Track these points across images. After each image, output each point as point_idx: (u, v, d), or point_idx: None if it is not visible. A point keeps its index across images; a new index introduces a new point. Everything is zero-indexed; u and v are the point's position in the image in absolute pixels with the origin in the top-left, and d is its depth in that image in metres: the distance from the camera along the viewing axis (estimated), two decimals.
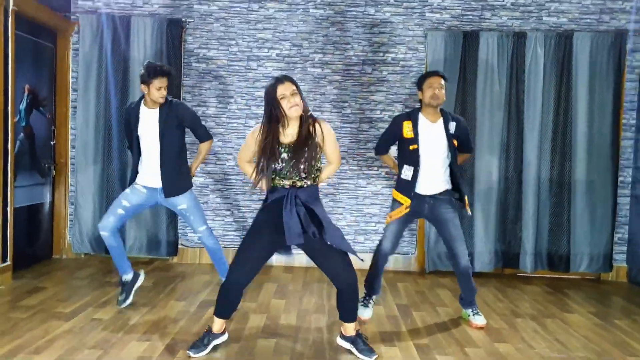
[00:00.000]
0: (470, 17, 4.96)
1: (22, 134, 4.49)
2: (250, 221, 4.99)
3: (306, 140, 2.81)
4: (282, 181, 2.84)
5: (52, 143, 4.98)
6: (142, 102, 3.61)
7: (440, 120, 3.51)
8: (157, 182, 3.59)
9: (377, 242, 4.90)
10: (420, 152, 3.46)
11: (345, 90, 4.99)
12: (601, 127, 4.86)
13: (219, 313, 2.97)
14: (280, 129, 2.82)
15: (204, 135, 3.74)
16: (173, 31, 4.88)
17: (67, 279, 4.38)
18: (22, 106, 4.48)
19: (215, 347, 2.98)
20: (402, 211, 3.53)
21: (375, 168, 5.05)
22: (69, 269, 4.69)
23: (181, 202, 3.66)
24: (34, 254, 4.77)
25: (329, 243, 2.82)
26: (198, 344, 2.93)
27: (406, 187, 3.49)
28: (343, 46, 4.99)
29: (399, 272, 5.02)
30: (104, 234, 3.57)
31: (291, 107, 2.76)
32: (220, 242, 4.93)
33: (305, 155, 2.80)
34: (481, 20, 4.95)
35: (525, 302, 4.16)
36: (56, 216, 5.06)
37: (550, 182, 4.93)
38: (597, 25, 4.91)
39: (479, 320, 3.55)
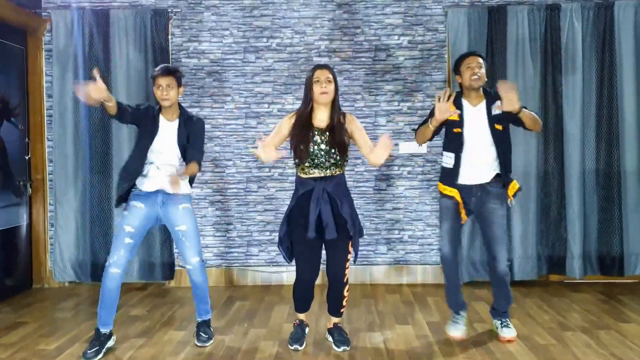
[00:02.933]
0: None
1: None
2: (255, 235, 4.95)
3: (338, 126, 3.27)
4: (312, 170, 3.28)
5: (26, 157, 4.90)
6: (160, 112, 3.52)
7: (483, 104, 3.50)
8: (159, 184, 3.45)
9: (402, 252, 4.94)
10: (464, 137, 3.47)
11: (357, 80, 4.91)
12: None
13: (300, 309, 3.55)
14: (313, 114, 3.31)
15: (197, 156, 3.54)
16: (158, 23, 4.81)
17: (50, 311, 4.31)
18: None
19: None
20: (461, 204, 3.52)
21: (396, 167, 4.95)
22: (51, 299, 4.61)
23: (183, 222, 3.51)
24: (11, 285, 4.69)
25: (340, 237, 3.26)
26: (298, 336, 3.44)
27: (450, 175, 3.53)
28: (352, 30, 4.90)
29: (429, 284, 4.93)
30: (114, 271, 3.37)
31: (321, 93, 3.22)
32: (224, 262, 4.93)
33: (337, 139, 3.25)
34: None
35: (575, 312, 4.09)
36: (35, 240, 4.98)
37: (597, 174, 4.83)
38: None
39: (508, 332, 3.54)
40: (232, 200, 4.97)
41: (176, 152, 3.48)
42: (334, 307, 3.48)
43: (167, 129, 3.48)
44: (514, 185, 3.53)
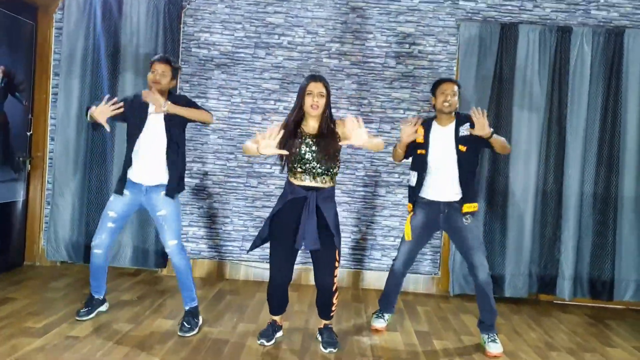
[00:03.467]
0: (509, 7, 4.87)
1: None
2: (251, 231, 4.94)
3: (327, 131, 3.29)
4: (303, 176, 3.29)
5: (28, 134, 4.87)
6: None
7: (452, 125, 3.70)
8: (147, 179, 3.56)
9: None
10: (429, 157, 3.69)
11: (365, 85, 4.89)
12: None
13: (274, 312, 3.58)
14: (302, 121, 3.33)
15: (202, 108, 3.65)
16: (171, 11, 4.79)
17: (40, 289, 4.29)
18: None
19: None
20: (408, 220, 3.77)
21: (396, 175, 4.95)
22: (42, 278, 4.59)
23: (163, 207, 3.57)
24: (3, 261, 4.67)
25: (327, 247, 3.30)
26: (267, 333, 3.50)
27: (413, 193, 3.78)
28: (364, 35, 4.89)
29: (420, 294, 4.92)
30: (98, 252, 3.65)
31: (312, 106, 3.25)
32: (217, 254, 4.91)
33: (329, 145, 3.25)
34: (521, 11, 4.86)
35: (562, 333, 4.09)
36: (30, 217, 4.95)
37: (594, 197, 4.83)
38: None
39: (494, 348, 3.57)
40: (231, 194, 4.95)
41: (163, 137, 3.51)
42: (324, 312, 3.53)
43: (156, 116, 3.52)
44: (469, 206, 3.63)
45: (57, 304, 3.93)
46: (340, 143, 3.23)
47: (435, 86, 3.72)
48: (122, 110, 3.40)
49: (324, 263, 3.34)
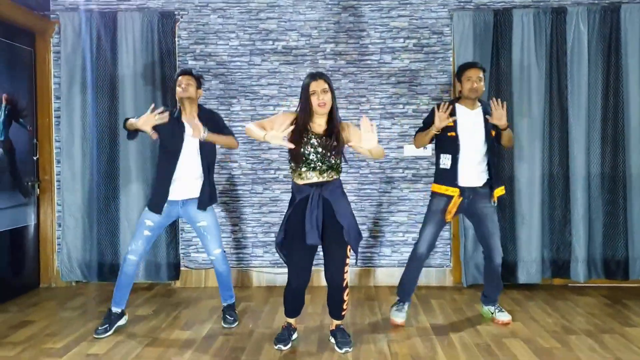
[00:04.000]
0: None
1: (0, 150, 4.44)
2: (260, 237, 4.98)
3: (334, 131, 3.30)
4: (309, 174, 3.30)
5: (34, 158, 4.93)
6: (182, 113, 3.81)
7: (479, 109, 3.84)
8: (181, 194, 3.78)
9: (406, 254, 4.86)
10: (460, 140, 3.76)
11: (362, 83, 4.90)
12: None
13: (289, 314, 3.57)
14: (310, 121, 3.33)
15: (231, 133, 3.92)
16: (165, 26, 4.83)
17: (57, 310, 4.33)
18: (0, 118, 4.43)
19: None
20: (456, 202, 3.77)
21: (401, 170, 4.95)
22: (58, 299, 4.64)
23: (203, 218, 3.84)
24: (19, 284, 4.72)
25: (338, 242, 3.31)
26: (284, 337, 3.49)
27: (449, 176, 3.78)
28: (358, 34, 4.90)
29: (432, 287, 4.93)
30: (132, 258, 3.77)
31: (319, 104, 3.25)
32: (229, 262, 4.88)
33: (334, 144, 3.28)
34: None
35: (579, 316, 4.08)
36: (42, 240, 5.01)
37: (602, 177, 4.81)
38: None
39: (504, 316, 3.89)
40: (238, 202, 4.99)
41: (196, 151, 3.74)
42: (335, 311, 3.52)
43: (188, 127, 3.73)
44: (500, 190, 3.87)
45: (74, 323, 3.97)
46: (348, 144, 3.30)
47: (461, 71, 3.80)
48: (166, 119, 3.59)
49: (334, 258, 3.34)
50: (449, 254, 4.98)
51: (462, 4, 4.86)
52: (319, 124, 3.33)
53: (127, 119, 3.74)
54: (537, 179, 4.77)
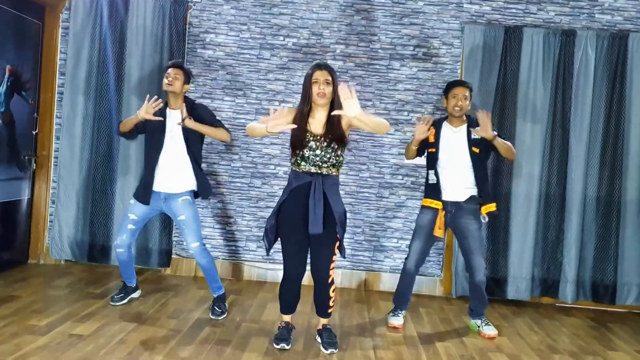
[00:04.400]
0: (514, 10, 4.89)
1: (0, 121, 4.42)
2: (255, 231, 4.98)
3: (333, 129, 3.26)
4: (308, 166, 3.28)
5: (34, 133, 4.92)
6: (167, 106, 3.88)
7: (463, 127, 3.88)
8: (165, 187, 3.83)
9: (399, 260, 4.95)
10: (440, 156, 3.87)
11: (370, 87, 4.92)
12: None
13: (285, 310, 3.52)
14: (309, 118, 3.29)
15: (222, 125, 3.96)
16: (177, 12, 4.83)
17: (45, 287, 4.33)
18: (2, 89, 4.42)
19: None
20: (441, 216, 3.86)
21: (400, 177, 4.98)
22: (46, 276, 4.64)
23: (182, 212, 3.86)
24: (8, 258, 4.72)
25: (328, 237, 3.28)
26: (285, 336, 3.42)
27: (434, 190, 3.90)
28: (369, 37, 4.93)
29: (422, 295, 4.94)
30: (120, 250, 3.94)
31: (318, 94, 3.21)
32: (221, 254, 4.98)
33: (333, 144, 3.26)
34: (525, 14, 4.89)
35: (564, 336, 4.10)
36: (35, 216, 5.01)
37: (598, 201, 4.85)
38: None
39: (490, 330, 3.93)
40: (235, 194, 5.00)
41: (181, 141, 3.79)
42: (322, 308, 3.48)
43: (172, 117, 3.81)
44: (490, 206, 3.88)
45: (60, 302, 3.96)
46: (333, 113, 3.20)
47: (448, 89, 3.88)
48: (161, 105, 3.74)
49: (322, 253, 3.31)
50: (441, 263, 5.00)
51: (474, 17, 4.90)
52: (319, 119, 3.29)
53: (120, 123, 3.92)
54: (534, 197, 4.80)
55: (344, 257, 3.52)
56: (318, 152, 3.24)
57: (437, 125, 3.92)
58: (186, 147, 3.79)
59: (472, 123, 3.85)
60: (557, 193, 4.84)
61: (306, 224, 3.23)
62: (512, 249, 4.82)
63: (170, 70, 3.78)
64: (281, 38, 4.94)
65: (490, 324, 3.98)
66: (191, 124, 3.71)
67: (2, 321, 3.44)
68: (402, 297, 4.04)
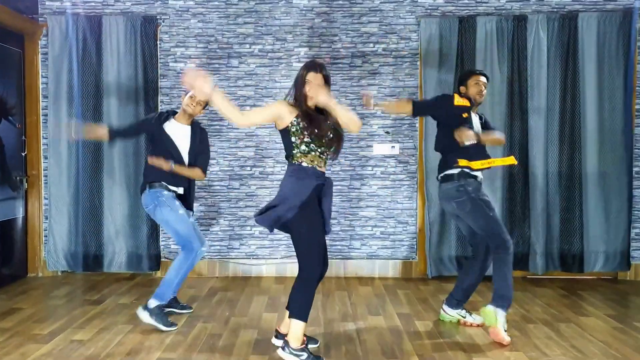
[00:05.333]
0: (466, 0, 5.09)
1: None
2: (237, 230, 5.19)
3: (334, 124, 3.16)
4: (320, 162, 3.15)
5: (23, 154, 5.13)
6: (173, 116, 4.02)
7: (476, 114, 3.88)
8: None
9: (375, 247, 5.17)
10: (473, 121, 3.73)
11: (334, 85, 5.07)
12: (612, 114, 4.98)
13: (307, 316, 3.10)
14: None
15: (204, 163, 4.05)
16: (147, 29, 5.04)
17: (44, 298, 4.48)
18: None
19: None
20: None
21: (370, 168, 5.18)
22: (45, 287, 4.80)
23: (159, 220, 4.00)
24: (8, 273, 4.92)
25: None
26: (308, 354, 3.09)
27: (479, 149, 3.68)
28: (330, 38, 5.13)
29: (399, 278, 5.16)
30: (204, 249, 3.89)
31: (311, 93, 3.07)
32: (206, 254, 5.04)
33: (342, 134, 3.21)
34: (478, 4, 5.08)
35: (537, 306, 4.25)
36: (30, 232, 5.21)
37: (559, 175, 5.04)
38: (604, 4, 5.03)
39: (478, 319, 3.81)
40: (216, 197, 5.20)
41: (186, 153, 3.94)
42: (295, 305, 3.18)
43: (180, 130, 3.94)
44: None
45: (60, 310, 4.12)
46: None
47: (468, 76, 3.82)
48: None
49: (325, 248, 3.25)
50: (415, 247, 5.21)
51: (429, 10, 5.09)
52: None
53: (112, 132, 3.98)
54: (499, 177, 5.01)
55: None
56: (331, 132, 3.14)
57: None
58: (188, 162, 3.95)
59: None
60: (520, 171, 5.02)
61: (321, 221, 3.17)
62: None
63: (195, 96, 3.84)
64: (247, 46, 5.13)
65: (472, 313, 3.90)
66: (177, 168, 3.85)
67: (7, 332, 3.57)
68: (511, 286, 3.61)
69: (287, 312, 3.28)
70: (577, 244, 5.04)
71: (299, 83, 3.12)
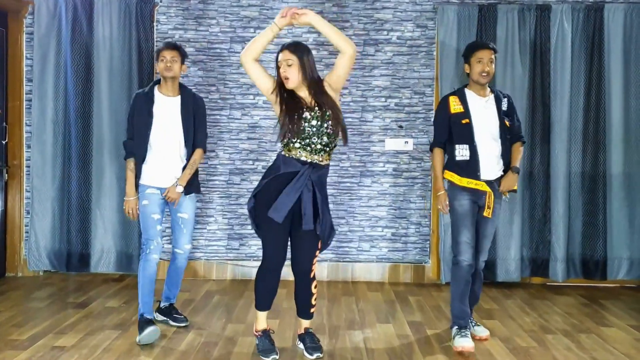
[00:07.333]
0: None
1: None
2: (237, 229, 4.98)
3: (320, 93, 3.08)
4: (301, 152, 3.08)
5: (3, 142, 4.91)
6: (155, 88, 3.65)
7: (492, 97, 3.54)
8: (165, 182, 3.60)
9: (385, 249, 4.99)
10: (474, 127, 3.44)
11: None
12: (639, 112, 4.85)
13: (262, 306, 3.27)
14: (293, 92, 3.11)
15: (203, 140, 3.75)
16: (143, 10, 4.82)
17: (24, 300, 4.33)
18: None
19: None
20: (491, 196, 3.44)
21: (381, 164, 5.00)
22: (25, 288, 4.64)
23: (185, 210, 3.70)
24: None
25: (312, 230, 3.14)
26: (269, 347, 3.22)
27: (470, 167, 3.44)
28: (341, 24, 4.91)
29: (410, 284, 4.99)
30: (155, 257, 3.60)
31: (284, 78, 3.06)
32: (203, 254, 5.01)
33: (328, 112, 3.06)
34: None
35: (557, 315, 4.14)
36: (9, 227, 4.99)
37: (582, 176, 4.89)
38: None
39: (483, 331, 3.62)
40: (214, 193, 5.00)
41: (179, 132, 3.60)
42: (303, 307, 3.31)
43: (168, 104, 3.60)
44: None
45: (41, 314, 3.96)
46: (337, 71, 3.13)
47: (470, 52, 3.47)
48: None
49: (305, 246, 3.19)
50: (428, 250, 5.03)
51: None
52: (304, 97, 3.11)
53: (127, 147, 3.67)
54: (519, 177, 4.82)
55: (320, 252, 3.30)
56: (314, 122, 3.04)
57: (459, 94, 3.52)
58: (184, 137, 3.62)
59: (498, 95, 3.54)
60: (541, 170, 4.87)
61: (291, 215, 3.10)
62: (499, 230, 4.80)
63: (165, 53, 3.54)
64: (252, 30, 4.92)
65: (479, 324, 3.67)
66: (183, 182, 3.58)
67: None
68: (463, 305, 3.48)
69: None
70: (600, 250, 4.88)
71: (277, 71, 3.12)
